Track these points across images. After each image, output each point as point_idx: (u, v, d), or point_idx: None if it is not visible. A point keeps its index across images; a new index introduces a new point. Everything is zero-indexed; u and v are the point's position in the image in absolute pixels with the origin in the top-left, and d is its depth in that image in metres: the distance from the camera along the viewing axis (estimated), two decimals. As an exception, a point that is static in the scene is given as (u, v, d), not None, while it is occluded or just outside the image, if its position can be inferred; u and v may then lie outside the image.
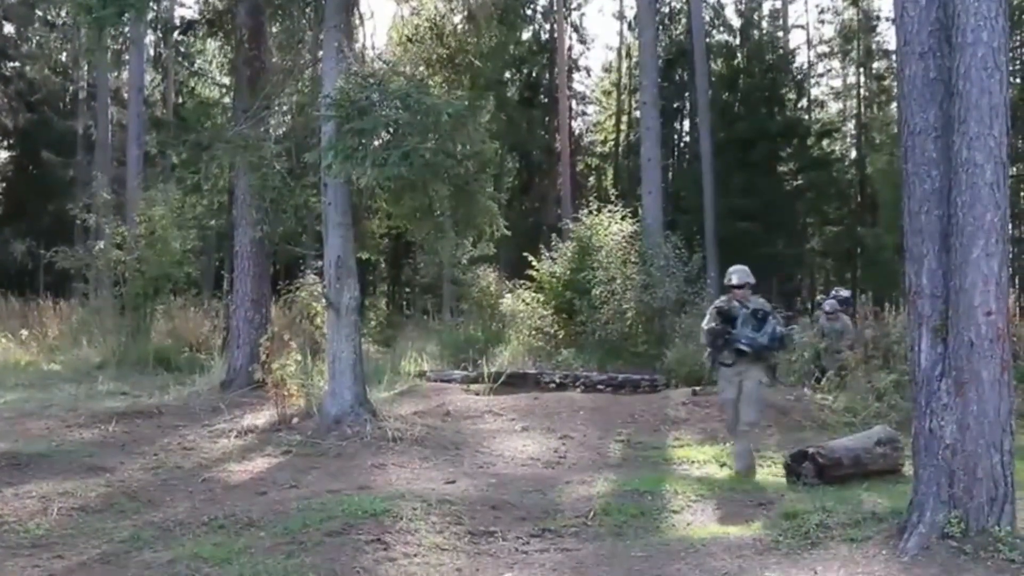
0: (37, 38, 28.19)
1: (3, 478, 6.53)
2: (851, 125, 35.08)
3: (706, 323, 7.89)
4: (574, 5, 36.25)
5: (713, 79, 28.70)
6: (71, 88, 29.73)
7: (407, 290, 32.59)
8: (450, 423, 9.42)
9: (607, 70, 39.79)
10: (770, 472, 7.54)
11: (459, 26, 11.44)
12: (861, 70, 34.11)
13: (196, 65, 32.07)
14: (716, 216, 23.59)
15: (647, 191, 18.71)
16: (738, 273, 7.77)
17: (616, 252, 16.04)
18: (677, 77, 34.22)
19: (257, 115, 9.94)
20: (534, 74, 34.88)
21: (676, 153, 36.40)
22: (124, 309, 15.17)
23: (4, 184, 29.83)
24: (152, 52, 28.83)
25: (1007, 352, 4.59)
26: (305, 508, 5.68)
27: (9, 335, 15.44)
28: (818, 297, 16.99)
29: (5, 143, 29.72)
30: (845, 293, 14.37)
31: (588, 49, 59.06)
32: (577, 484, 6.83)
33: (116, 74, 26.86)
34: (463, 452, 8.19)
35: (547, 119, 34.25)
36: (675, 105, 34.59)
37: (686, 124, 35.97)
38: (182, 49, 29.81)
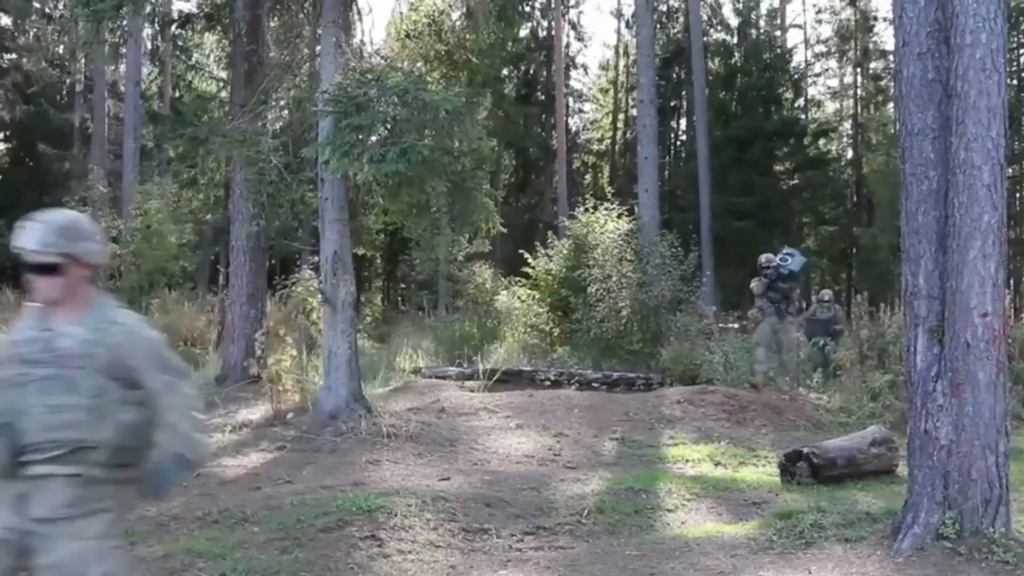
0: (34, 30, 28.11)
1: (-4, 472, 6.50)
2: (848, 125, 35.07)
3: None
4: (572, 3, 36.23)
5: (710, 78, 28.68)
6: (68, 81, 29.68)
7: (403, 286, 32.57)
8: (445, 420, 9.40)
9: (604, 68, 39.75)
10: (765, 471, 7.54)
11: (457, 22, 11.40)
12: (858, 70, 34.12)
13: (193, 59, 31.93)
14: (712, 214, 23.60)
15: (643, 189, 18.69)
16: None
17: (612, 250, 16.00)
18: (674, 75, 34.23)
19: (254, 110, 9.92)
20: (531, 71, 34.86)
21: (672, 151, 36.38)
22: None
23: (0, 176, 29.74)
24: (149, 45, 28.69)
25: (1002, 354, 4.61)
26: (299, 504, 5.67)
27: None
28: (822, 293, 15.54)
29: (1, 135, 29.60)
30: (791, 263, 11.69)
31: (585, 47, 59.13)
32: (571, 482, 6.84)
33: (113, 67, 26.81)
34: (457, 449, 8.18)
35: (544, 116, 34.24)
36: (672, 103, 34.61)
37: (683, 122, 35.98)
38: (180, 43, 29.63)
